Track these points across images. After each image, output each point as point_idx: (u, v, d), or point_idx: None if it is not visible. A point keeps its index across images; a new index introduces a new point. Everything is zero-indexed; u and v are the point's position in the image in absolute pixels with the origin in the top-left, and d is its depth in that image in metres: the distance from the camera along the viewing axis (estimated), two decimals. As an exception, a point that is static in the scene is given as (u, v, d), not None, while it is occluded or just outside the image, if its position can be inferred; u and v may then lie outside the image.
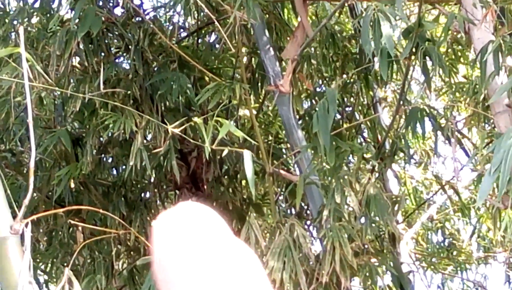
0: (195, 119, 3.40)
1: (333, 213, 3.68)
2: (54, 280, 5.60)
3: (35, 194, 4.62)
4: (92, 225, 4.52)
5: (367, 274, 3.95)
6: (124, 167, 4.73)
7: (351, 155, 4.35)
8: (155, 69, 4.63)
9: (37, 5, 4.63)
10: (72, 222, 3.91)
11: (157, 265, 0.45)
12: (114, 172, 5.12)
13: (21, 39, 2.50)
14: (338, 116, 4.73)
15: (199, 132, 4.10)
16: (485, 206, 5.83)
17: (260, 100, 4.99)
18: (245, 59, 4.67)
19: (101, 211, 3.48)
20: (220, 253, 0.44)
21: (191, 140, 3.90)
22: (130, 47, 4.48)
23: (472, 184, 5.57)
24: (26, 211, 2.75)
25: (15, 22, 4.52)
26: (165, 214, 0.45)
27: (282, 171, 4.30)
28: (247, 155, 3.37)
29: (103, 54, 4.52)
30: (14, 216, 2.76)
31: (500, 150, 2.30)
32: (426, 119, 4.02)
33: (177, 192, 5.19)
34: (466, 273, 6.21)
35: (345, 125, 4.65)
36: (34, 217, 2.93)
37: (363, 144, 5.03)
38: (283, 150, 5.07)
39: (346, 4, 4.42)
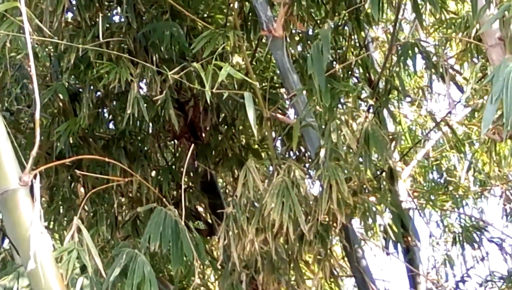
0: (194, 64, 3.42)
1: (330, 153, 3.71)
2: (57, 237, 5.65)
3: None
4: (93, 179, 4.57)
5: (366, 212, 3.99)
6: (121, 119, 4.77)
7: (346, 96, 4.38)
8: (148, 21, 4.64)
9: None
10: (78, 172, 3.96)
11: None
12: (112, 126, 5.15)
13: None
14: (331, 59, 4.75)
15: (196, 80, 4.14)
16: (479, 141, 5.90)
17: (253, 47, 5.01)
18: (236, 6, 4.68)
19: (105, 159, 3.52)
20: None
21: (191, 86, 3.93)
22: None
23: (466, 120, 5.63)
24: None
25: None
26: None
27: (278, 115, 4.33)
28: (248, 96, 3.39)
29: (95, 8, 4.52)
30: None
31: (499, 79, 2.33)
32: (418, 55, 4.05)
33: (176, 142, 5.24)
34: (463, 208, 6.30)
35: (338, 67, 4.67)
36: (42, 168, 2.99)
37: (357, 84, 5.05)
38: (279, 95, 5.09)
39: None
